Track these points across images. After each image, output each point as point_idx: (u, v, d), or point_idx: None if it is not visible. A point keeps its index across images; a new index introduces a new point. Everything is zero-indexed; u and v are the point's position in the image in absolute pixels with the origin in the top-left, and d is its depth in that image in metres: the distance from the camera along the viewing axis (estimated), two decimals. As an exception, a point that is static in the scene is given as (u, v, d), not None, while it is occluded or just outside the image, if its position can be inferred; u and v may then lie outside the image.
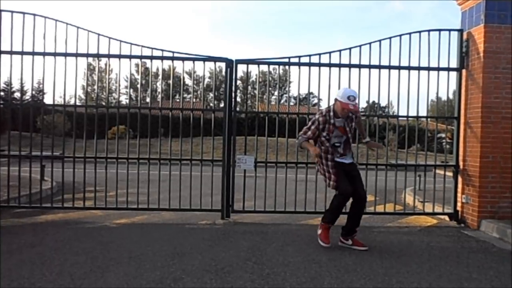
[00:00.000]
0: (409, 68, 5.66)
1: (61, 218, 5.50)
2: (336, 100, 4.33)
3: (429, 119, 6.35)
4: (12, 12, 5.33)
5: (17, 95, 16.25)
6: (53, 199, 5.88)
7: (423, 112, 5.98)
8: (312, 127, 4.39)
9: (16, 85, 16.05)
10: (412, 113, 5.79)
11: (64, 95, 5.71)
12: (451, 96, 5.99)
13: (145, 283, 3.26)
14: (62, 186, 5.93)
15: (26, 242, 4.30)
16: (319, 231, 4.42)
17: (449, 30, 5.66)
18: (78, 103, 5.85)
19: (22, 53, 5.42)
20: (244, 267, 3.69)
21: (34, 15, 5.36)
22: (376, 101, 6.03)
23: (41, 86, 6.27)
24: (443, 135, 16.87)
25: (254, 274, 3.52)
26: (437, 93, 5.76)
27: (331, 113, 4.35)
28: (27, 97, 19.51)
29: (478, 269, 3.81)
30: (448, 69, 5.71)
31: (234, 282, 3.31)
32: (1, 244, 4.17)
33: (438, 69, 5.67)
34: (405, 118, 5.91)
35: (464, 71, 5.67)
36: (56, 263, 3.67)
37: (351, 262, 3.90)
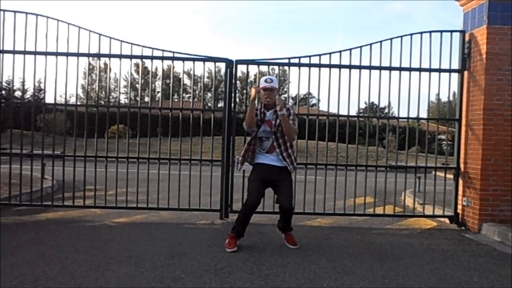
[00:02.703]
0: (410, 69, 5.64)
1: (61, 217, 5.51)
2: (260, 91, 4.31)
3: (428, 121, 6.34)
4: (15, 12, 5.34)
5: (18, 94, 16.26)
6: (54, 198, 5.89)
7: (423, 114, 5.98)
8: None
9: (17, 84, 16.08)
10: (413, 114, 5.79)
11: (66, 94, 5.73)
12: (452, 98, 5.98)
13: (145, 282, 3.26)
14: (63, 184, 5.94)
15: (27, 240, 4.31)
16: (226, 240, 4.28)
17: (451, 31, 5.65)
18: (78, 102, 5.84)
19: (24, 52, 5.42)
20: (243, 267, 3.69)
21: (37, 15, 5.37)
22: (376, 103, 6.02)
23: (42, 85, 6.27)
24: (443, 137, 16.84)
25: (253, 274, 3.51)
26: (438, 95, 5.76)
27: (262, 105, 4.34)
28: (28, 96, 19.52)
29: (479, 272, 3.80)
30: (450, 71, 5.69)
31: (234, 283, 3.31)
32: (2, 241, 4.18)
33: (440, 70, 5.66)
34: (406, 120, 5.91)
35: (466, 72, 5.66)
36: (57, 261, 3.67)
37: (350, 264, 3.89)
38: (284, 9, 63.66)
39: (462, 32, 5.71)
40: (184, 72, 6.64)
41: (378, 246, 4.60)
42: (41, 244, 4.20)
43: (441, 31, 5.62)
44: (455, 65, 5.73)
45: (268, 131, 4.24)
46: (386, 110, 6.45)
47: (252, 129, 4.27)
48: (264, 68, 5.85)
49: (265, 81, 4.23)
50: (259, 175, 4.26)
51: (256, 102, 4.25)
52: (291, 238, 4.45)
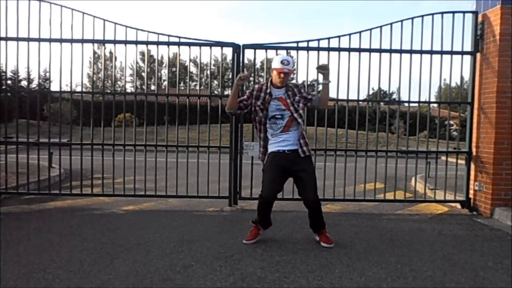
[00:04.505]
0: (421, 52, 5.51)
1: (69, 205, 5.50)
2: (272, 70, 3.92)
3: (439, 105, 6.23)
4: (17, -3, 5.26)
5: (24, 83, 16.27)
6: (61, 186, 5.87)
7: (433, 98, 5.85)
8: (247, 92, 4.05)
9: (22, 74, 16.10)
10: (423, 98, 5.68)
11: (71, 82, 5.68)
12: (464, 81, 5.85)
13: (154, 269, 3.22)
14: (70, 173, 5.94)
15: (35, 229, 4.30)
16: (251, 229, 4.06)
17: (463, 12, 5.49)
18: (84, 91, 5.79)
19: (28, 39, 5.35)
20: (254, 254, 3.64)
21: (40, 0, 5.28)
22: (386, 87, 5.88)
23: (47, 74, 6.22)
24: (452, 122, 16.64)
25: (264, 261, 3.47)
26: (450, 78, 5.62)
27: (269, 83, 3.95)
28: (34, 85, 19.56)
29: (494, 257, 3.73)
30: (462, 53, 5.54)
31: (244, 270, 3.27)
32: (10, 230, 4.17)
33: (452, 52, 5.52)
34: (416, 104, 5.79)
35: (478, 54, 5.51)
36: (66, 249, 3.65)
37: (362, 250, 3.83)
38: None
39: (475, 13, 5.55)
40: (190, 60, 6.53)
41: (389, 231, 4.54)
42: (49, 232, 4.18)
43: (453, 12, 5.46)
44: (468, 47, 5.58)
45: (283, 108, 3.86)
46: (396, 95, 6.31)
47: (231, 111, 4.03)
48: (272, 53, 5.73)
49: (282, 62, 3.79)
50: (276, 166, 3.83)
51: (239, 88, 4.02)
52: (325, 236, 3.98)
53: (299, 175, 3.86)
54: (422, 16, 5.42)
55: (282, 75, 3.83)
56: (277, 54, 5.58)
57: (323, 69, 3.98)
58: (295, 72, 3.96)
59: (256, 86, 4.03)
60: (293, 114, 3.87)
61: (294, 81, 5.14)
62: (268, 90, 3.92)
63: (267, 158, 3.93)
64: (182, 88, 18.78)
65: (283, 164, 3.84)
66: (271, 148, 3.91)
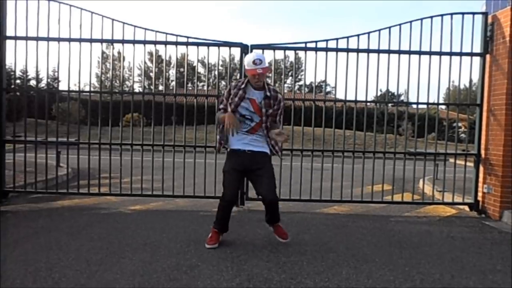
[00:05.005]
0: (430, 53, 5.48)
1: (76, 204, 5.53)
2: (245, 71, 3.73)
3: (448, 107, 6.17)
4: (27, -3, 5.30)
5: (32, 83, 16.39)
6: (69, 185, 5.91)
7: (442, 100, 5.81)
8: (225, 94, 3.85)
9: (31, 73, 16.25)
10: (431, 100, 5.64)
11: (79, 81, 5.69)
12: (473, 82, 5.80)
13: (161, 269, 3.23)
14: (78, 172, 5.95)
15: (42, 227, 4.32)
16: (210, 234, 3.96)
17: (473, 14, 5.45)
18: (92, 90, 5.81)
19: (37, 38, 5.39)
20: (260, 255, 3.63)
21: (49, 0, 5.32)
22: (395, 88, 5.85)
23: (56, 73, 6.27)
24: (460, 124, 16.53)
25: (271, 262, 3.46)
26: (459, 80, 5.57)
27: (246, 82, 3.78)
28: (42, 85, 19.71)
29: (503, 260, 3.69)
30: (471, 54, 5.50)
31: (251, 271, 3.26)
32: (17, 228, 4.20)
33: (461, 54, 5.48)
34: (425, 105, 5.75)
35: (488, 56, 5.47)
36: (72, 248, 3.67)
37: (370, 252, 3.81)
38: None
39: (485, 14, 5.51)
40: (198, 60, 6.52)
41: (397, 234, 4.50)
42: (56, 231, 4.21)
43: (463, 13, 5.43)
44: (477, 48, 5.54)
45: (252, 111, 3.76)
46: (404, 96, 6.27)
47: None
48: (280, 54, 5.73)
49: (254, 63, 3.60)
50: (236, 166, 3.82)
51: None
52: (280, 230, 3.99)
53: (258, 173, 3.80)
54: (431, 17, 5.38)
55: (257, 76, 3.68)
56: (285, 55, 5.59)
57: (280, 137, 3.69)
58: (270, 70, 3.85)
59: (233, 83, 3.89)
60: (263, 123, 3.79)
61: (299, 82, 5.10)
62: (243, 86, 3.76)
63: (228, 157, 3.92)
64: (190, 88, 18.81)
65: (243, 164, 3.81)
66: (233, 145, 3.86)
